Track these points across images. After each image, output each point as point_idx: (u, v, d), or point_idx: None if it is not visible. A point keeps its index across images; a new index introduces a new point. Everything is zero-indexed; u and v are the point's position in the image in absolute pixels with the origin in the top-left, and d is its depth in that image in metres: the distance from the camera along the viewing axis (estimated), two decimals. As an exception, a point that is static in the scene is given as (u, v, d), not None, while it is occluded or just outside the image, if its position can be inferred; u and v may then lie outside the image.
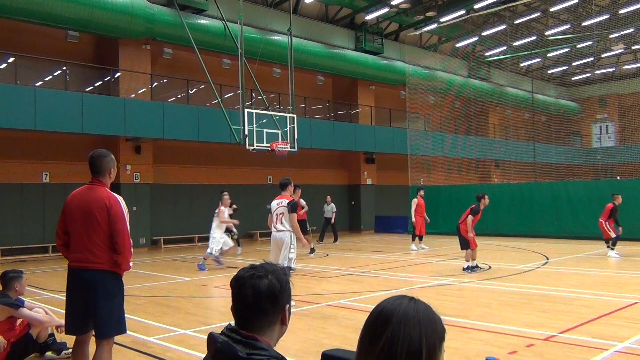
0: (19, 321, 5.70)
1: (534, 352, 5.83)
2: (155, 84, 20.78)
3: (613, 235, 14.45)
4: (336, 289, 10.31)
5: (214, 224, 13.88)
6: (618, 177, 26.66)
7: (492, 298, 9.10)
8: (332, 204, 20.92)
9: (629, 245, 16.97)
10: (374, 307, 1.56)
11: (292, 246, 8.77)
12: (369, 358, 1.48)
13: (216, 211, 14.01)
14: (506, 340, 6.31)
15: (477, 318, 7.50)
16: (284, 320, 1.93)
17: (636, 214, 18.52)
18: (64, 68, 18.61)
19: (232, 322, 1.89)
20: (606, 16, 28.62)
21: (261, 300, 1.85)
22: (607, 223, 14.49)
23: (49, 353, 5.87)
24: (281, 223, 8.88)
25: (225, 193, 14.17)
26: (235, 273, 1.94)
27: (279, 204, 9.05)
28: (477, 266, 12.13)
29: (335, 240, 20.94)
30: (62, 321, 5.80)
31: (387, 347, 1.44)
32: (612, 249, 14.46)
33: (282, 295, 1.90)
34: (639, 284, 10.18)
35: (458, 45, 31.30)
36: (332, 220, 20.85)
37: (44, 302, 8.23)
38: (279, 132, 17.77)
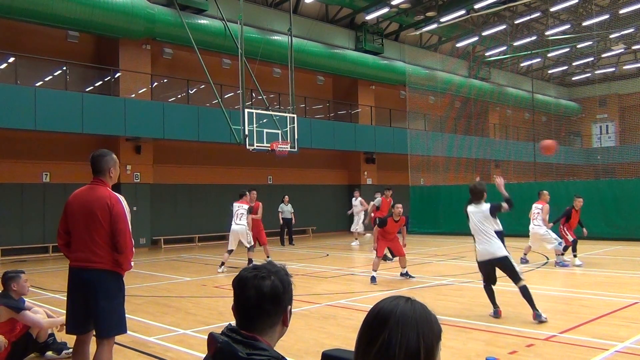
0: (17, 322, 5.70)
1: (534, 352, 5.84)
2: (156, 84, 20.78)
3: (571, 239, 13.10)
4: (336, 289, 10.31)
5: (540, 222, 13.05)
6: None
7: (492, 298, 9.09)
8: (290, 204, 20.42)
9: (629, 246, 16.99)
10: (370, 307, 1.56)
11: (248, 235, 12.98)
12: (366, 358, 1.48)
13: (539, 208, 13.16)
14: (506, 340, 6.31)
15: (477, 318, 7.50)
16: (285, 321, 1.93)
17: (636, 214, 18.53)
18: (64, 68, 18.62)
19: (233, 322, 1.90)
20: (606, 16, 28.64)
21: (264, 301, 1.85)
22: (564, 227, 13.26)
23: (49, 353, 5.87)
24: (240, 219, 13.00)
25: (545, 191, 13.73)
26: (236, 273, 1.95)
27: (239, 207, 13.17)
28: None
29: (291, 242, 20.36)
30: (63, 318, 5.83)
31: (384, 348, 1.44)
32: (575, 256, 13.02)
33: (285, 296, 1.90)
34: (639, 284, 10.18)
35: (458, 45, 31.29)
36: (293, 222, 20.39)
37: (45, 302, 8.25)
38: (279, 132, 17.76)
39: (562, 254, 12.88)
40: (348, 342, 6.02)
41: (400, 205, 11.29)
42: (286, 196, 20.64)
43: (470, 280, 11.01)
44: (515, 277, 7.29)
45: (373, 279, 10.85)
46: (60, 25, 17.57)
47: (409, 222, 11.20)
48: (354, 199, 20.36)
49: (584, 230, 13.39)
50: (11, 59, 17.91)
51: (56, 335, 5.96)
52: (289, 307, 1.93)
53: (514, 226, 20.81)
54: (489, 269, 7.52)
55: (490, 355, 5.61)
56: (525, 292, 7.19)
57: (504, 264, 7.34)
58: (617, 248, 16.62)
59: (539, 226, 13.02)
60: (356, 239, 19.90)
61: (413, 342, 1.44)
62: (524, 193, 21.73)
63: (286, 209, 20.31)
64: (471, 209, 7.69)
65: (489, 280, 7.62)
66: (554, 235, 12.86)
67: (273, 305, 1.87)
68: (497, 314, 7.49)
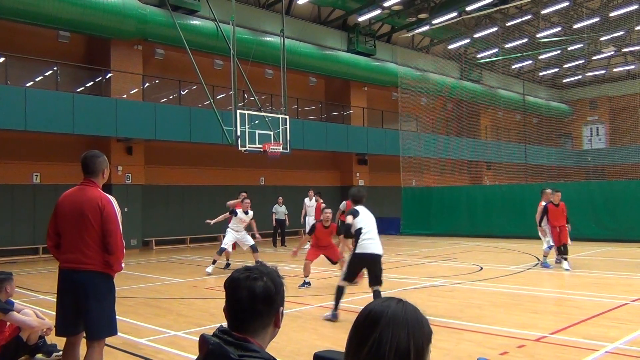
0: (8, 323, 5.66)
1: (525, 352, 5.86)
2: (147, 84, 20.70)
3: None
4: (328, 291, 10.29)
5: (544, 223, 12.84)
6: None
7: (483, 299, 9.13)
8: (284, 206, 20.25)
9: (620, 247, 17.09)
10: (362, 308, 1.56)
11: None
12: (357, 359, 1.48)
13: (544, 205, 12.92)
14: (497, 341, 6.34)
15: (469, 319, 7.52)
16: (277, 322, 1.92)
17: (626, 216, 18.66)
18: (55, 68, 18.51)
19: (224, 324, 1.89)
20: (597, 19, 28.84)
21: (256, 302, 1.84)
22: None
23: (39, 356, 5.83)
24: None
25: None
26: (228, 275, 1.94)
27: None
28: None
29: (283, 243, 20.22)
30: (52, 322, 5.78)
31: (375, 348, 1.44)
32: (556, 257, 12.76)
33: (277, 297, 1.89)
34: (629, 285, 10.25)
35: (450, 47, 31.42)
36: (287, 223, 20.15)
37: (34, 304, 8.19)
38: (272, 133, 17.74)
39: (552, 256, 12.90)
40: (340, 343, 6.00)
41: (329, 211, 10.87)
42: (280, 197, 20.60)
43: (462, 281, 11.05)
44: (379, 279, 7.60)
45: (304, 284, 10.59)
46: (51, 25, 17.47)
47: (336, 227, 10.61)
48: (307, 198, 19.38)
49: (568, 225, 12.91)
50: (1, 59, 17.79)
51: (46, 338, 5.92)
52: (281, 308, 1.93)
53: (505, 228, 21.01)
54: (365, 264, 7.73)
55: (481, 356, 5.63)
56: (377, 295, 7.45)
57: (380, 261, 7.67)
58: (607, 249, 16.72)
59: (539, 226, 13.07)
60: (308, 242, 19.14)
61: (403, 343, 1.44)
62: (515, 194, 21.91)
63: (280, 210, 20.24)
64: (363, 209, 7.90)
65: (352, 278, 7.84)
66: (548, 238, 12.90)
67: (265, 307, 1.86)
68: (335, 317, 7.61)
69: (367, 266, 7.69)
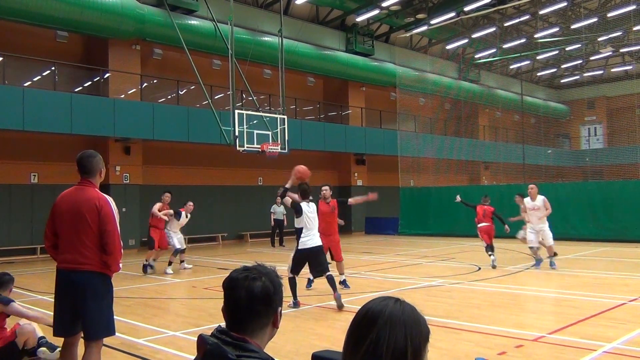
0: (6, 323, 5.65)
1: (523, 352, 5.87)
2: (145, 84, 20.68)
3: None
4: (326, 290, 10.29)
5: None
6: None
7: (481, 299, 9.14)
8: (282, 206, 19.86)
9: (617, 247, 17.11)
10: (360, 307, 1.56)
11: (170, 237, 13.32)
12: (354, 358, 1.48)
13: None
14: (495, 341, 6.34)
15: (467, 319, 7.53)
16: (276, 322, 1.92)
17: (624, 216, 18.68)
18: (53, 68, 18.48)
19: (223, 324, 1.89)
20: (595, 19, 28.88)
21: (255, 302, 1.84)
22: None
23: (43, 349, 5.79)
24: None
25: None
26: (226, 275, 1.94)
27: None
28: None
29: (281, 243, 20.10)
30: (50, 319, 5.81)
31: (372, 348, 1.45)
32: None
33: (276, 297, 1.89)
34: (627, 285, 10.27)
35: (448, 47, 31.44)
36: (285, 223, 19.90)
37: (32, 304, 8.19)
38: (270, 133, 17.74)
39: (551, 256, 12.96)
40: (338, 343, 5.99)
41: (326, 188, 11.76)
42: (279, 197, 20.49)
43: (460, 281, 11.05)
44: (322, 268, 8.51)
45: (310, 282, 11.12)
46: (49, 25, 17.45)
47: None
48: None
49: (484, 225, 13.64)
50: (-1, 59, 17.78)
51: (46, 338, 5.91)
52: (280, 308, 1.93)
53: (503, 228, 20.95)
54: (307, 258, 8.55)
55: (479, 356, 5.63)
56: (331, 280, 8.42)
57: (320, 251, 8.61)
58: (605, 249, 16.74)
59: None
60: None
61: (400, 343, 1.44)
62: (512, 194, 21.87)
63: (278, 210, 20.16)
64: (305, 206, 8.86)
65: (298, 271, 8.65)
66: (530, 237, 12.96)
67: (264, 307, 1.86)
68: (296, 305, 8.47)
69: (309, 260, 8.53)
